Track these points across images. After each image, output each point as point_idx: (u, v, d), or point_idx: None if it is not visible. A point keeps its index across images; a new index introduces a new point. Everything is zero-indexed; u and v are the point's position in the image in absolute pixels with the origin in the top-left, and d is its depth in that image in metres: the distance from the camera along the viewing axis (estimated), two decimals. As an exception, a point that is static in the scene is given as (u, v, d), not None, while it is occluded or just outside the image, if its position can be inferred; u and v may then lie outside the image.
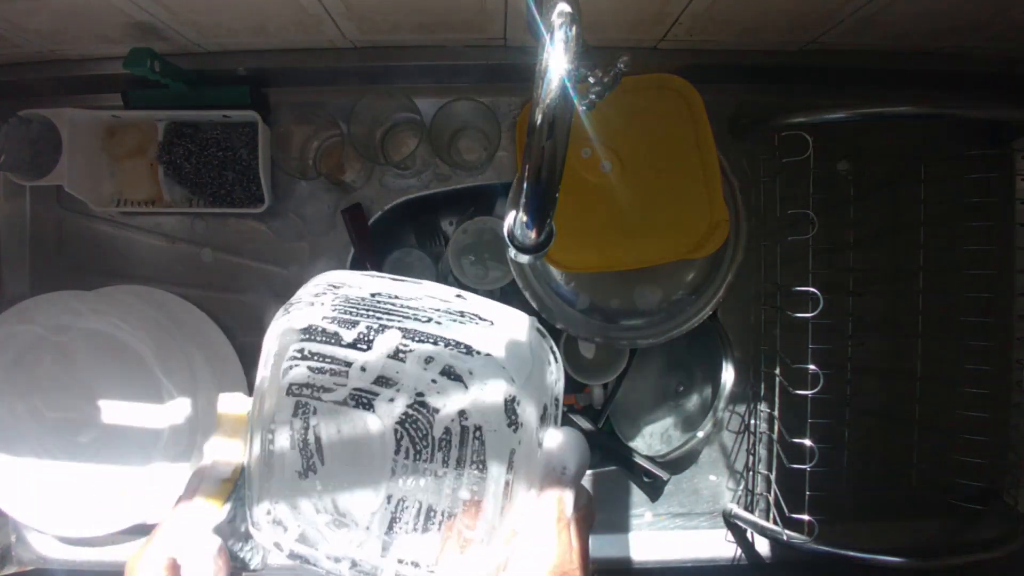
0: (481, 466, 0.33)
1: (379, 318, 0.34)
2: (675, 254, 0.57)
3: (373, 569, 0.34)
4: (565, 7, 0.33)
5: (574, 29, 0.33)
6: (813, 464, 0.55)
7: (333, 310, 0.35)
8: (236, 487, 0.36)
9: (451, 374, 0.33)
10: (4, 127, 0.56)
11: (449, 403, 0.33)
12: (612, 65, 0.43)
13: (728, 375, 0.65)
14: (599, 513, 0.58)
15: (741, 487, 0.65)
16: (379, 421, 0.34)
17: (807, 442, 0.55)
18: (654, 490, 0.65)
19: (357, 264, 0.65)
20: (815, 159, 0.55)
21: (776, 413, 0.59)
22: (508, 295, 0.74)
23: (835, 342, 0.62)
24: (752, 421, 0.64)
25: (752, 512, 0.63)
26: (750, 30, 0.57)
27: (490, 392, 0.33)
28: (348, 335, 0.34)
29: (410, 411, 0.33)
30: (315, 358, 0.34)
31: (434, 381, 0.33)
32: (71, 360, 0.59)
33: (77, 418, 0.59)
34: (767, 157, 0.61)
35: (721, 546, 0.66)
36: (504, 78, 0.63)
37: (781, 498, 0.57)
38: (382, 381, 0.33)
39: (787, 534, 0.55)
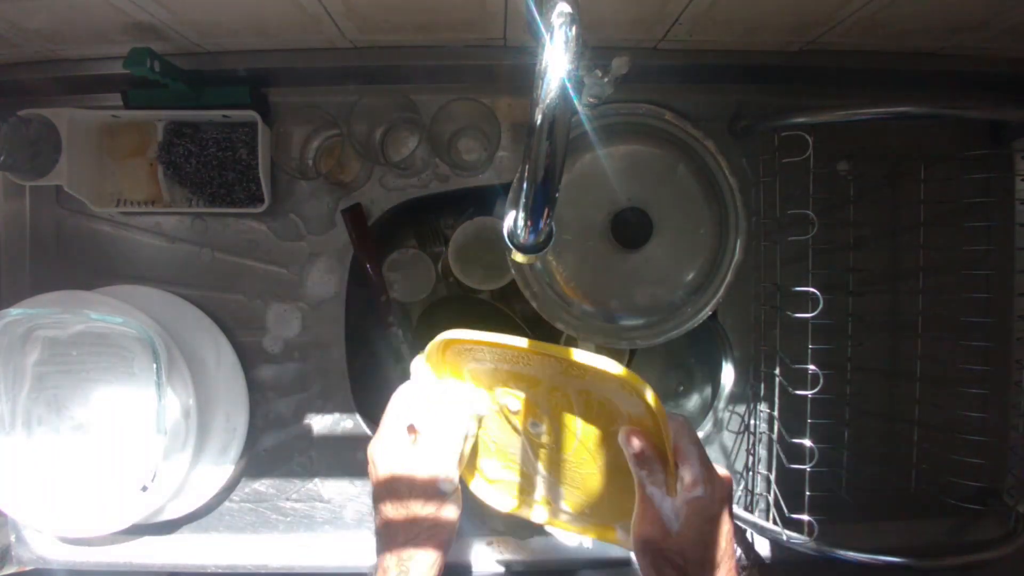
0: None
1: None
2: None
3: None
4: (565, 7, 0.33)
5: (574, 29, 0.33)
6: (813, 464, 0.54)
7: None
8: None
9: None
10: (4, 127, 0.56)
11: None
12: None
13: (728, 375, 0.65)
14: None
15: (741, 487, 0.65)
16: None
17: (807, 442, 0.55)
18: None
19: (357, 264, 0.65)
20: (815, 159, 0.55)
21: (776, 413, 0.59)
22: (508, 295, 0.74)
23: (835, 342, 0.62)
24: (752, 421, 0.64)
25: (752, 512, 0.63)
26: (750, 30, 0.57)
27: None
28: None
29: None
30: None
31: None
32: (71, 360, 0.59)
33: (76, 417, 0.59)
34: (767, 157, 0.61)
35: (721, 546, 0.66)
36: (504, 78, 0.63)
37: (781, 498, 0.57)
38: None
39: (787, 534, 0.55)
